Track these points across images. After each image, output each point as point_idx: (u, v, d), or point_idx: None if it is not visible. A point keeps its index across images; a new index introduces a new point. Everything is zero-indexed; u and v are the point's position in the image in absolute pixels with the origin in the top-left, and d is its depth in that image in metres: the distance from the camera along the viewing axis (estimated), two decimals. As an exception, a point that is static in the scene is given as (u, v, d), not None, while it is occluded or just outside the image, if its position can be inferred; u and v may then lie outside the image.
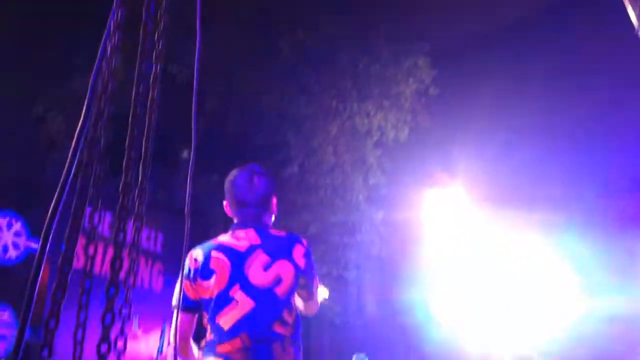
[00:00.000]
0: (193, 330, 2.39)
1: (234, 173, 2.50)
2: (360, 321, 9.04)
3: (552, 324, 8.03)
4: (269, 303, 2.31)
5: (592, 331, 7.86)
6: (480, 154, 8.37)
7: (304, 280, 2.42)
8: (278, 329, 2.31)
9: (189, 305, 2.36)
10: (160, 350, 4.54)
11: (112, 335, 1.41)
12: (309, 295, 2.49)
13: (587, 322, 7.88)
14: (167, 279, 6.34)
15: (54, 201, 1.24)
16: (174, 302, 2.35)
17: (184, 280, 2.37)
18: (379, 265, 8.91)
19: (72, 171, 1.29)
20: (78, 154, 1.26)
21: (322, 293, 8.17)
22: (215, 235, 2.52)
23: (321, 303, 8.44)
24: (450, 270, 8.54)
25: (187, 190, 1.79)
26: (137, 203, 1.37)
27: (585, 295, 7.87)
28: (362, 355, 6.81)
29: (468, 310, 8.73)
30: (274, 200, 2.52)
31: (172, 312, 2.41)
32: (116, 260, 1.33)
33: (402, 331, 9.42)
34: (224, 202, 2.53)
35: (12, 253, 4.83)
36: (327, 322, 8.65)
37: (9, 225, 4.89)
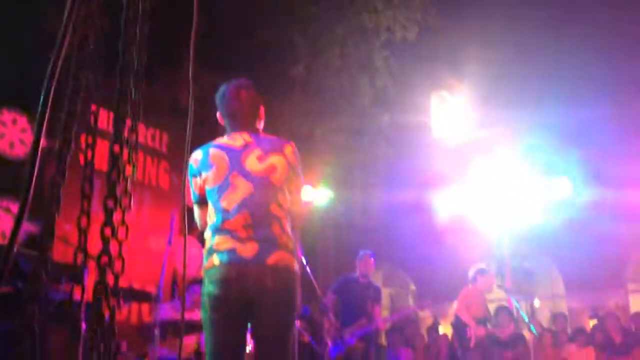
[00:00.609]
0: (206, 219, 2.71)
1: (222, 88, 2.81)
2: (366, 222, 9.24)
3: (545, 214, 8.32)
4: (265, 187, 2.64)
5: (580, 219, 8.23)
6: (489, 56, 8.19)
7: (293, 176, 2.73)
8: (275, 210, 2.64)
9: (199, 200, 2.74)
10: (170, 242, 4.71)
11: (118, 192, 1.50)
12: (296, 191, 2.78)
13: (575, 211, 8.17)
14: (173, 177, 6.46)
15: (44, 86, 1.25)
16: (192, 200, 2.78)
17: (191, 179, 2.74)
18: (384, 168, 8.99)
19: (65, 41, 1.28)
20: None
21: (321, 195, 8.31)
22: (220, 133, 2.85)
23: (326, 205, 8.62)
24: (456, 171, 8.61)
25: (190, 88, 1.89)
26: (136, 60, 1.38)
27: (576, 190, 8.06)
28: (367, 252, 7.01)
29: (472, 209, 8.90)
30: (262, 109, 2.84)
31: (179, 207, 2.69)
32: (118, 121, 1.36)
33: (407, 232, 9.66)
34: (217, 114, 2.83)
35: (19, 149, 4.91)
36: (332, 223, 8.86)
37: (14, 122, 4.94)
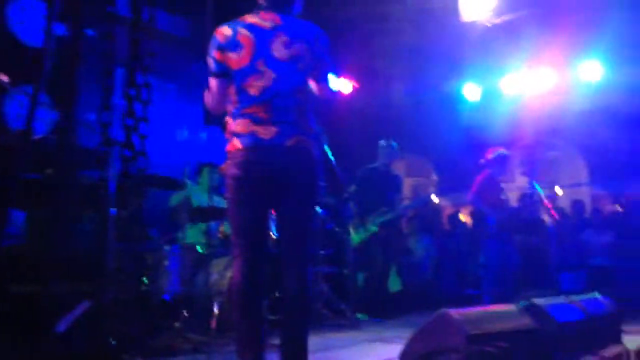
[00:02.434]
0: (226, 96, 2.75)
1: None
2: (389, 111, 9.11)
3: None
4: (289, 75, 2.68)
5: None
6: None
7: (320, 64, 2.76)
8: (297, 96, 2.70)
9: (219, 70, 2.71)
10: (195, 132, 4.72)
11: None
12: (323, 79, 2.80)
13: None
14: (195, 65, 6.33)
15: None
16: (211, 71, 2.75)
17: (213, 51, 2.72)
18: (409, 55, 8.71)
19: None
20: None
21: (345, 85, 8.16)
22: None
23: (348, 94, 8.50)
24: (482, 57, 8.32)
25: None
26: None
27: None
28: (388, 141, 6.98)
29: (498, 96, 8.72)
30: None
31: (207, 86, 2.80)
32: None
33: (430, 122, 9.54)
34: None
35: (40, 36, 4.80)
36: (355, 113, 8.75)
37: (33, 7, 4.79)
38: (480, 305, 6.16)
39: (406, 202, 8.15)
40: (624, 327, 4.05)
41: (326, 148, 5.92)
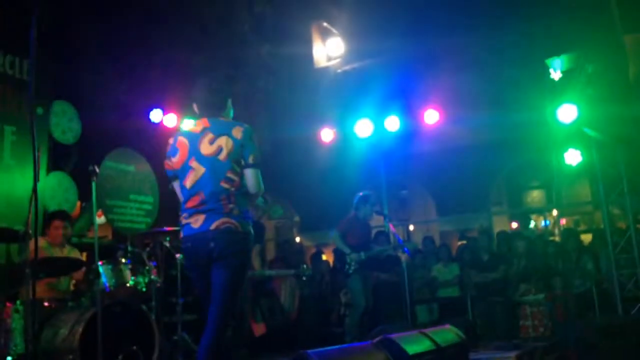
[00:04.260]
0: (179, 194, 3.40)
1: (197, 82, 3.46)
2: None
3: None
4: (214, 166, 3.25)
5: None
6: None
7: (244, 152, 3.26)
8: (224, 184, 3.24)
9: (170, 175, 3.41)
10: (37, 178, 4.42)
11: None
12: (247, 166, 3.27)
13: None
14: (37, 109, 5.94)
15: None
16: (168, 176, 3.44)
17: (165, 159, 3.41)
18: (266, 99, 8.89)
19: None
20: None
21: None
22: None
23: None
24: (336, 102, 8.71)
25: None
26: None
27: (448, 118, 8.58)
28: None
29: (353, 139, 9.12)
30: (229, 102, 3.45)
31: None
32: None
33: (290, 164, 9.73)
34: (193, 105, 3.44)
35: None
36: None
37: None
38: (342, 344, 6.32)
39: (271, 245, 8.15)
40: (471, 355, 4.34)
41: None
